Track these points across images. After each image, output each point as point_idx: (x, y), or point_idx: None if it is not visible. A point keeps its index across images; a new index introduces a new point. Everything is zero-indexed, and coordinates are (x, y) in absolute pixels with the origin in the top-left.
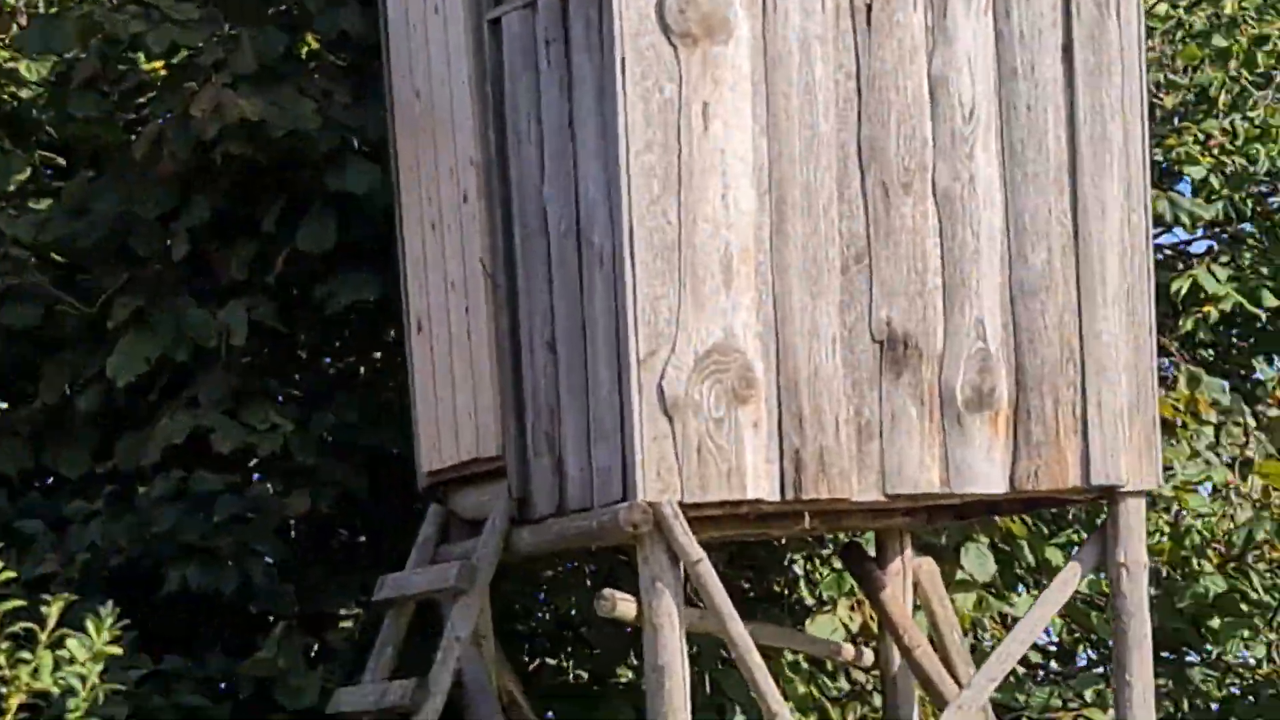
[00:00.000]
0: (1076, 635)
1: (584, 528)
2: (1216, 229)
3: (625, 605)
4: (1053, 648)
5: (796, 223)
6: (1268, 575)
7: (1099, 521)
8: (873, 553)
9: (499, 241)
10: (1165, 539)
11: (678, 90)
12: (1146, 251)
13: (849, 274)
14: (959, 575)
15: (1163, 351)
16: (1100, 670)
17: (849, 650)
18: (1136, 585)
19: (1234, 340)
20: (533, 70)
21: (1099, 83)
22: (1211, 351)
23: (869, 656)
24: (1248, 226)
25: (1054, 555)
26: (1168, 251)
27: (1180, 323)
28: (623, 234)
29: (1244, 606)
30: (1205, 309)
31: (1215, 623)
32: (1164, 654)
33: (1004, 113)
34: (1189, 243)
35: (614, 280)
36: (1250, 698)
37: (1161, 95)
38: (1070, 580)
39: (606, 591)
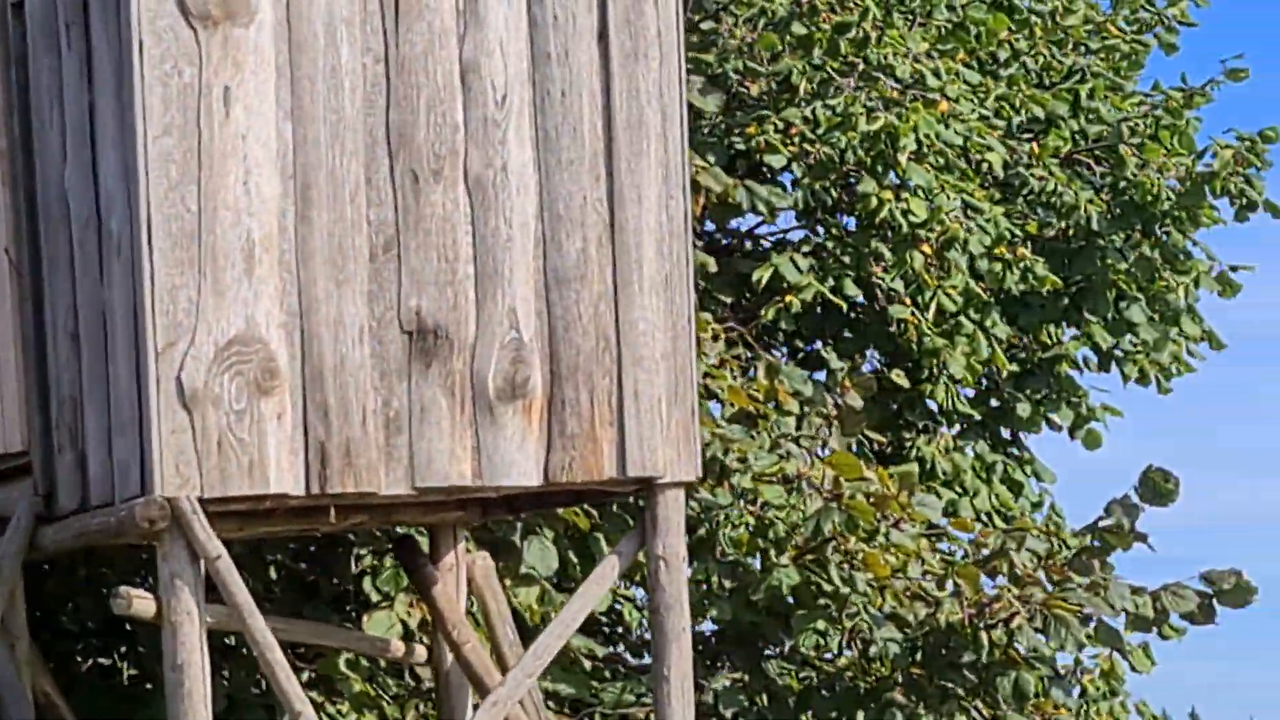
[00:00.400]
0: None
1: (105, 524)
2: (814, 218)
3: (142, 603)
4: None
5: (322, 210)
6: (844, 567)
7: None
8: (428, 548)
9: (24, 230)
10: (745, 531)
11: (198, 74)
12: (685, 238)
13: (377, 263)
14: (523, 569)
15: (741, 341)
16: None
17: (398, 647)
18: (675, 578)
19: (837, 330)
20: (55, 54)
21: (635, 67)
22: (809, 343)
23: (421, 653)
24: (851, 223)
25: None
26: (767, 242)
27: (762, 312)
28: (140, 222)
29: (824, 601)
30: (787, 298)
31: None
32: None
33: (538, 99)
34: (786, 231)
35: (132, 269)
36: (827, 690)
37: (746, 84)
38: (608, 574)
39: (122, 589)
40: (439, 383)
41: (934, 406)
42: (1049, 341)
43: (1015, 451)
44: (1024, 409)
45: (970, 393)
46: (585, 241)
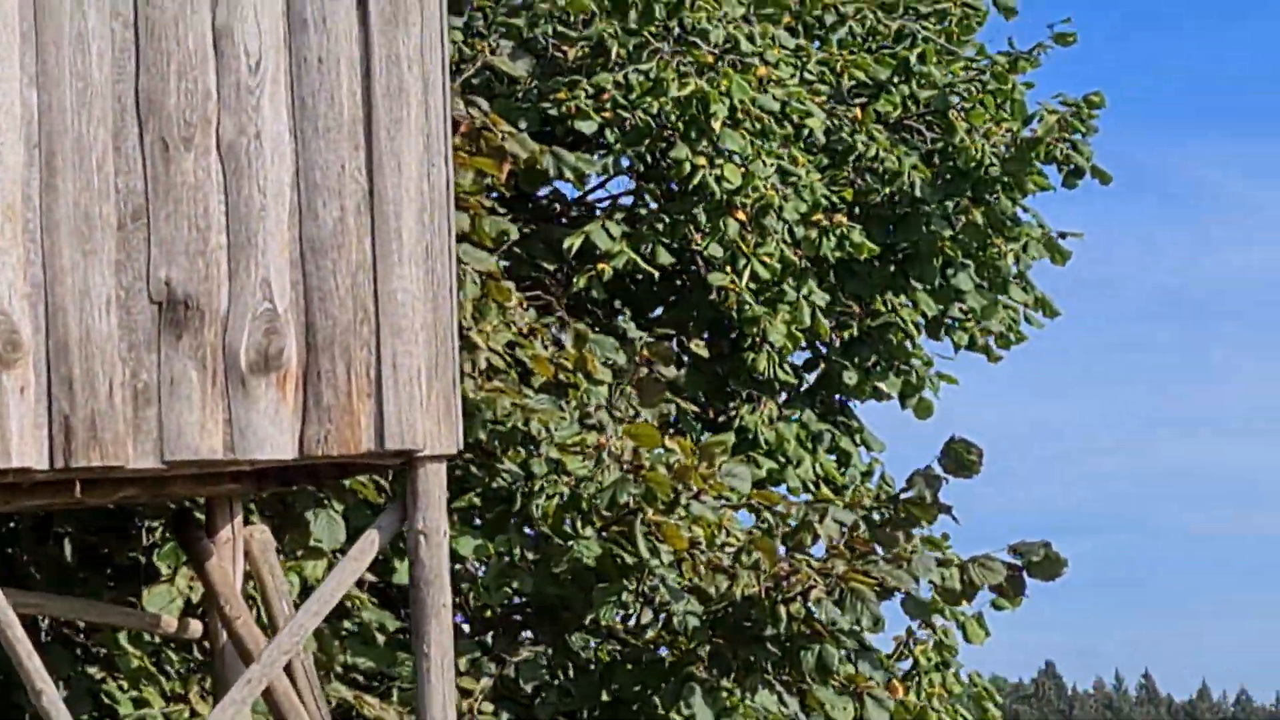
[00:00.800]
0: None
1: None
2: (637, 185)
3: None
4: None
5: (68, 178)
6: (651, 539)
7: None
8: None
9: None
10: (555, 502)
11: None
12: (447, 207)
13: (125, 232)
14: (311, 542)
15: (550, 310)
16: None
17: (169, 622)
18: (435, 553)
19: (664, 298)
20: None
21: (395, 33)
22: (645, 313)
23: (196, 628)
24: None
25: None
26: (600, 208)
27: (574, 280)
28: None
29: (628, 573)
30: (599, 266)
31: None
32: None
33: (294, 65)
34: (617, 197)
35: None
36: (632, 663)
37: (563, 49)
38: (368, 549)
39: None
40: (190, 355)
41: (758, 375)
42: (884, 309)
43: (845, 420)
44: (850, 377)
45: (806, 358)
46: (343, 211)
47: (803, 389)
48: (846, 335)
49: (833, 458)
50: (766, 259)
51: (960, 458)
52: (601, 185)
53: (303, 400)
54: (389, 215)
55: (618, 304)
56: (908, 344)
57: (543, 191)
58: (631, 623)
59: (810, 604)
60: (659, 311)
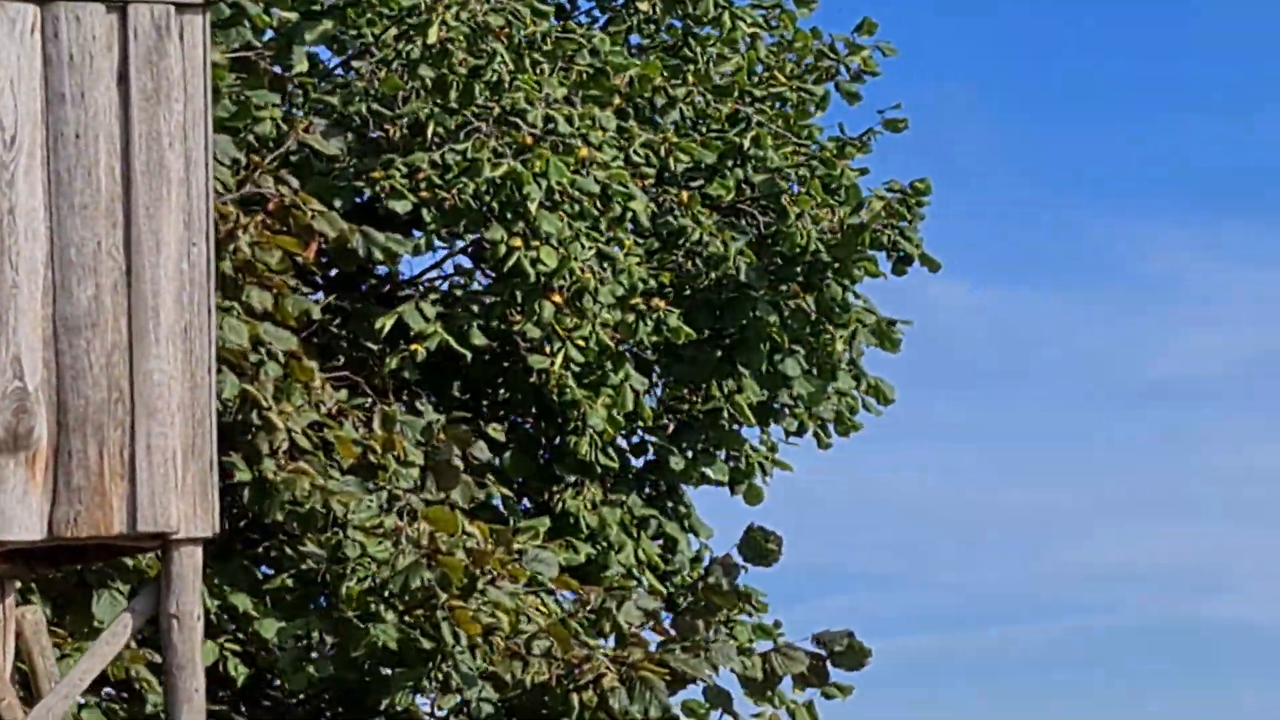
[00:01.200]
0: None
1: None
2: (473, 265)
3: None
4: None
5: None
6: (451, 625)
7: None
8: None
9: None
10: (362, 584)
11: None
12: (208, 286)
13: None
14: (95, 623)
15: (360, 390)
16: None
17: None
18: (188, 637)
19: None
20: None
21: (156, 110)
22: (480, 397)
23: None
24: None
25: (241, 601)
26: (437, 288)
27: (386, 361)
28: None
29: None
30: (412, 347)
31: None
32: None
33: (50, 140)
34: (448, 277)
35: None
36: None
37: (386, 127)
38: (121, 633)
39: None
40: None
41: (581, 459)
42: (717, 394)
43: (674, 506)
44: (677, 462)
45: (636, 442)
46: (98, 289)
47: (631, 474)
48: (676, 420)
49: (659, 543)
50: (582, 342)
51: (759, 545)
52: (437, 266)
53: (53, 481)
54: (146, 294)
55: (456, 386)
56: (738, 430)
57: (380, 270)
58: (429, 708)
59: (607, 691)
60: (494, 394)
